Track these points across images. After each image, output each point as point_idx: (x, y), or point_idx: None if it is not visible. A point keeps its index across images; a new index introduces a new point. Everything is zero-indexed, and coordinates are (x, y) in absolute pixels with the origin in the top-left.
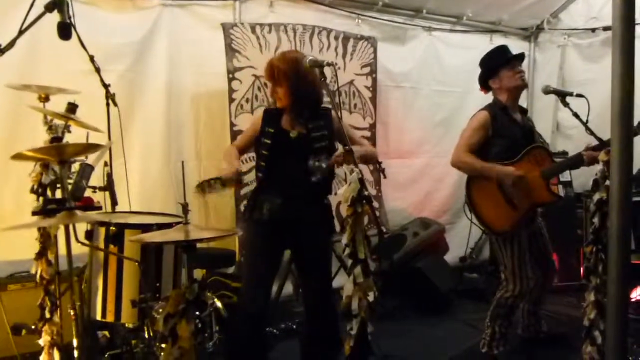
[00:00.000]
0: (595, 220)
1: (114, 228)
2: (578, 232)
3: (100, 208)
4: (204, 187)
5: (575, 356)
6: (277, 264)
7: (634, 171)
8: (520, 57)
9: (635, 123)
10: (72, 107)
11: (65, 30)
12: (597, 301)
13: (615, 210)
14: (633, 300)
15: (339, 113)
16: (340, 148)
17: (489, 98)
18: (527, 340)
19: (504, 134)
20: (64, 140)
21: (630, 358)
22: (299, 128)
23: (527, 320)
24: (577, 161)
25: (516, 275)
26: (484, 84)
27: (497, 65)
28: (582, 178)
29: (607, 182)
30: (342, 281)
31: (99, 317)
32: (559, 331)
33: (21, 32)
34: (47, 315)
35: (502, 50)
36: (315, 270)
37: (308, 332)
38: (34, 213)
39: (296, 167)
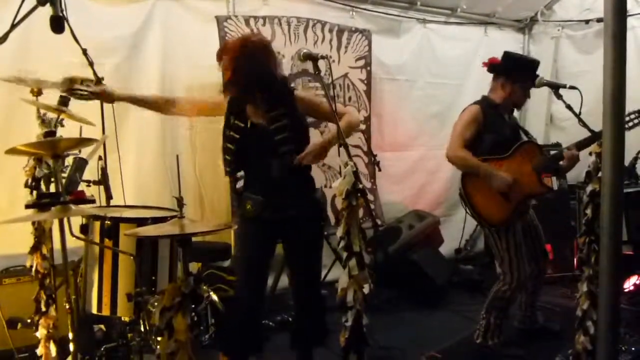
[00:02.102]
0: (588, 211)
1: (109, 222)
2: (572, 223)
3: (93, 201)
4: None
5: (568, 347)
6: (270, 256)
7: (627, 163)
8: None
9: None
10: (64, 100)
11: (57, 23)
12: (589, 291)
13: (607, 202)
14: (626, 290)
15: (333, 106)
16: (308, 147)
17: (484, 90)
18: (521, 331)
19: (493, 129)
20: (57, 134)
21: (623, 348)
22: (259, 118)
23: (523, 312)
24: (560, 157)
25: (513, 268)
26: (495, 70)
27: (521, 78)
28: (575, 170)
29: (600, 174)
30: (337, 274)
31: (94, 310)
32: (554, 323)
33: (13, 26)
34: (43, 308)
35: (534, 67)
36: (304, 263)
37: (297, 324)
38: (27, 207)
39: (269, 160)
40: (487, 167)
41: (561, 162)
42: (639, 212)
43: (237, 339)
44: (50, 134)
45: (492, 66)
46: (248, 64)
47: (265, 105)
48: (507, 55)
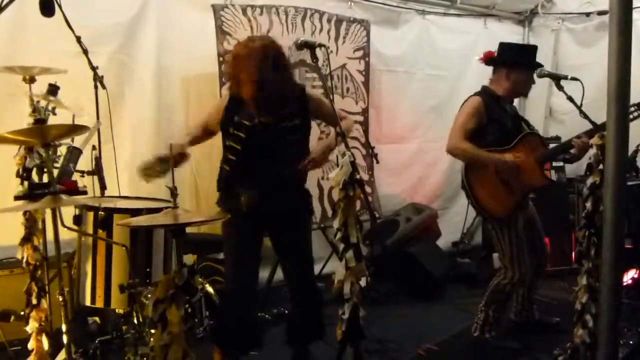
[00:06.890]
0: (588, 204)
1: (102, 213)
2: (570, 217)
3: (85, 192)
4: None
5: (566, 340)
6: (259, 249)
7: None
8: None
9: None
10: (53, 89)
11: (47, 6)
12: (589, 285)
13: (610, 193)
14: (624, 284)
15: (331, 97)
16: (312, 153)
17: (483, 82)
18: (518, 324)
19: (495, 121)
20: (49, 123)
21: (621, 341)
22: (268, 117)
23: (520, 305)
24: (569, 147)
25: (515, 262)
26: (493, 63)
27: (524, 65)
28: (575, 164)
29: (601, 166)
30: (334, 266)
31: (88, 303)
32: (551, 317)
33: (1, 9)
34: (34, 301)
35: (534, 53)
36: (296, 255)
37: (292, 316)
38: (16, 198)
39: (269, 157)
40: (490, 154)
41: (572, 150)
42: (639, 205)
43: (232, 335)
44: (40, 122)
45: (490, 59)
46: (274, 70)
47: (277, 104)
48: (504, 45)
